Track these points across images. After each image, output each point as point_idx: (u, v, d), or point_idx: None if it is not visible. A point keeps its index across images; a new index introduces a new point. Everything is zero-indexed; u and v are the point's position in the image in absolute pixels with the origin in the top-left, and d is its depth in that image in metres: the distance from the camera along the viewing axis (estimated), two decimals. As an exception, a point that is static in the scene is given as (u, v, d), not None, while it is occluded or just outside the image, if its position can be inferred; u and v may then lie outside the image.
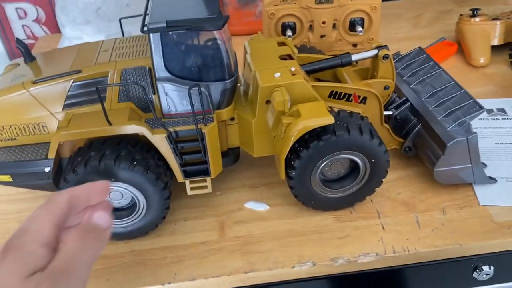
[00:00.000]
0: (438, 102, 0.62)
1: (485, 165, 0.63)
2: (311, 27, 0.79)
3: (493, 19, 0.88)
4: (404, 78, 0.68)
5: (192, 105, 0.52)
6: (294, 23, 0.79)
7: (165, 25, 0.48)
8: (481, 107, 0.58)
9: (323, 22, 0.78)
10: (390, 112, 0.64)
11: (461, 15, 0.92)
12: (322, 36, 0.79)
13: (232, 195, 0.64)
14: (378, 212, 0.59)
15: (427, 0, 1.14)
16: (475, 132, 0.56)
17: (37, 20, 1.14)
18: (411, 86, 0.66)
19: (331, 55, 0.63)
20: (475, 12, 0.89)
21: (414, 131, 0.62)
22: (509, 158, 0.65)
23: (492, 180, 0.61)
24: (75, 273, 0.36)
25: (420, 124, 0.62)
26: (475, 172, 0.59)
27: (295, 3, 0.77)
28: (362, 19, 0.78)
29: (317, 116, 0.52)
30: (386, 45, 0.60)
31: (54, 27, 1.15)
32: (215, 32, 0.51)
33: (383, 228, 0.57)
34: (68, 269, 0.35)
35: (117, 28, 0.91)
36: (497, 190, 0.61)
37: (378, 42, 0.61)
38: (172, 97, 0.53)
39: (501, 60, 0.88)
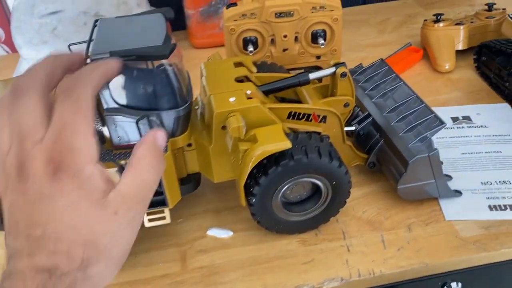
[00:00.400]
0: (399, 117, 0.61)
1: (450, 178, 0.62)
2: (273, 41, 0.77)
3: (457, 24, 0.88)
4: (366, 92, 0.67)
5: (141, 136, 0.49)
6: (256, 38, 0.77)
7: (107, 55, 0.46)
8: (442, 122, 0.57)
9: (285, 36, 0.76)
10: (352, 128, 0.64)
11: (425, 20, 0.91)
12: (284, 50, 0.78)
13: (194, 222, 0.62)
14: (343, 233, 0.58)
15: (393, 4, 1.13)
16: (436, 148, 0.56)
17: (-5, 39, 1.10)
18: (373, 100, 0.65)
19: (295, 71, 0.62)
20: (439, 17, 0.88)
21: (377, 146, 0.61)
22: (474, 169, 0.65)
23: (457, 193, 0.60)
24: (146, 199, 0.36)
25: (383, 140, 0.61)
26: (439, 187, 0.58)
27: (255, 18, 0.75)
28: (324, 31, 0.77)
29: (274, 140, 0.51)
30: (343, 63, 0.58)
31: (14, 46, 1.11)
32: (163, 60, 0.49)
33: (349, 250, 0.56)
34: (141, 195, 0.35)
35: (76, 48, 0.89)
36: (462, 204, 0.60)
37: (336, 59, 0.59)
38: (122, 128, 0.51)
39: (466, 65, 0.88)
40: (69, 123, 0.34)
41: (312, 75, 0.59)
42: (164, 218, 0.56)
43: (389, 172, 0.60)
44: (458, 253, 0.54)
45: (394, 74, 0.67)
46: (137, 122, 0.49)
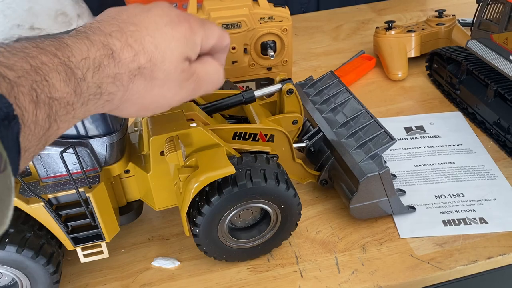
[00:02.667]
0: (350, 133, 0.59)
1: (403, 193, 0.61)
2: (221, 53, 0.74)
3: (408, 31, 0.87)
4: (316, 106, 0.65)
5: (67, 168, 0.45)
6: (202, 50, 0.73)
7: None
8: (392, 138, 0.55)
9: (233, 48, 0.73)
10: (303, 144, 0.61)
11: (377, 28, 0.90)
12: (234, 62, 0.75)
13: (139, 252, 0.57)
14: (296, 257, 0.55)
15: (346, 10, 1.12)
16: (386, 166, 0.54)
17: None
18: (323, 115, 0.63)
19: (245, 83, 0.59)
20: (390, 24, 0.87)
21: (328, 163, 0.59)
22: (428, 182, 0.64)
23: (411, 209, 0.59)
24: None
25: (334, 157, 0.58)
26: (392, 204, 0.56)
27: (201, 29, 0.71)
28: (274, 42, 0.74)
29: (216, 166, 0.48)
30: (290, 79, 0.56)
31: None
32: None
33: (302, 276, 0.53)
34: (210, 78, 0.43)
35: None
36: (417, 219, 0.58)
37: (282, 75, 0.57)
38: (48, 160, 0.46)
39: (418, 72, 0.87)
40: (216, 27, 0.44)
41: (258, 93, 0.56)
42: (101, 252, 0.52)
43: (341, 190, 0.58)
44: (413, 273, 0.52)
45: (343, 87, 0.64)
46: (61, 154, 0.45)
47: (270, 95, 0.59)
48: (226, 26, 0.71)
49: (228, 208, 0.49)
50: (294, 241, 0.57)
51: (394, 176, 0.64)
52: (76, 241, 0.50)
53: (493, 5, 0.69)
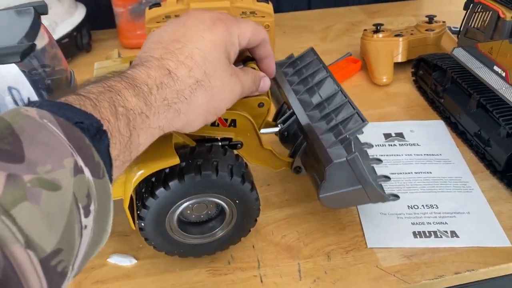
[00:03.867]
0: (322, 115, 0.54)
1: (388, 179, 0.55)
2: (199, 46, 0.72)
3: (396, 35, 0.85)
4: (292, 87, 0.60)
5: None
6: (181, 42, 0.71)
7: None
8: (363, 120, 0.50)
9: (212, 41, 0.70)
10: (276, 129, 0.57)
11: (364, 30, 0.88)
12: (212, 56, 0.72)
13: (96, 247, 0.55)
14: (258, 261, 0.53)
15: (339, 11, 1.10)
16: (355, 151, 0.49)
17: None
18: (298, 96, 0.58)
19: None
20: (379, 27, 0.85)
21: (301, 149, 0.55)
22: (402, 191, 0.62)
23: (394, 197, 0.53)
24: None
25: (305, 142, 0.54)
26: (369, 192, 0.51)
27: (180, 20, 0.69)
28: (255, 37, 0.72)
29: (159, 157, 0.45)
30: (252, 59, 0.52)
31: None
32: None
33: (261, 281, 0.51)
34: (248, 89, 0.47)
35: None
36: (386, 229, 0.56)
37: (247, 54, 0.53)
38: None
39: (404, 77, 0.85)
40: (251, 23, 0.46)
41: None
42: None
43: (312, 178, 0.54)
44: (377, 285, 0.50)
45: (321, 65, 0.59)
46: None
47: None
48: (206, 19, 0.68)
49: (176, 202, 0.46)
50: (258, 244, 0.55)
51: (379, 160, 0.59)
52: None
53: (480, 13, 0.67)
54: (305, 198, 0.60)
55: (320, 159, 0.50)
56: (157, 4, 0.71)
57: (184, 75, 0.39)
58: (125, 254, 0.54)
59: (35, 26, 0.44)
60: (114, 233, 0.57)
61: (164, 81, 0.37)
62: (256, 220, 0.51)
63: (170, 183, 0.45)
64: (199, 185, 0.46)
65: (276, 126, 0.57)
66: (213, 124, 0.50)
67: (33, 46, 0.40)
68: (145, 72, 0.37)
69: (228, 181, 0.46)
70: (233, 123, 0.51)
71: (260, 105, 0.53)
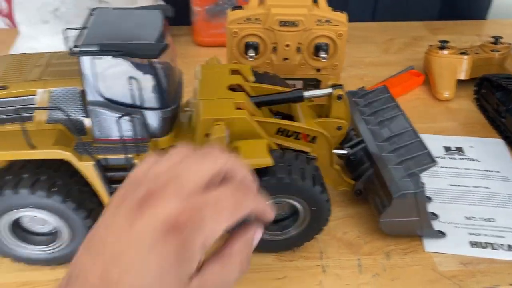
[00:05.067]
0: (392, 148, 0.59)
1: (436, 217, 0.61)
2: (274, 49, 0.76)
3: (461, 53, 0.87)
4: (363, 117, 0.66)
5: (121, 133, 0.48)
6: (258, 43, 0.76)
7: (97, 48, 0.45)
8: (433, 160, 0.55)
9: (287, 45, 0.75)
10: (345, 152, 0.62)
11: (430, 45, 0.90)
12: (285, 59, 0.77)
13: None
14: (321, 252, 0.57)
15: (401, 25, 1.12)
16: (423, 186, 0.54)
17: (-3, 12, 1.09)
18: (368, 127, 0.64)
19: (293, 82, 0.60)
20: (444, 44, 0.88)
21: (366, 174, 0.60)
22: (460, 202, 0.64)
23: (440, 234, 0.59)
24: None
25: (372, 169, 0.59)
26: (423, 226, 0.57)
27: (260, 23, 0.74)
28: (327, 45, 0.76)
29: (256, 156, 0.50)
30: (341, 85, 0.57)
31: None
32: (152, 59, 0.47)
33: (324, 271, 0.55)
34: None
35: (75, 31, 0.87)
36: (444, 236, 0.59)
37: (336, 75, 0.58)
38: (104, 123, 0.50)
39: (466, 95, 0.87)
40: (217, 207, 0.32)
41: (307, 94, 0.57)
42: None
43: (374, 202, 0.59)
44: (433, 287, 0.53)
45: (394, 103, 0.65)
46: (118, 119, 0.48)
47: (319, 97, 0.60)
48: (284, 23, 0.73)
49: None
50: (321, 237, 0.58)
51: (429, 199, 0.64)
52: (118, 203, 0.53)
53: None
54: (366, 202, 0.63)
55: (387, 187, 0.55)
56: (239, 7, 0.76)
57: None
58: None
59: (165, 27, 0.49)
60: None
61: None
62: (327, 220, 0.55)
63: (263, 178, 0.49)
64: (286, 186, 0.50)
65: (343, 149, 0.62)
66: (296, 137, 0.55)
67: (167, 46, 0.46)
68: None
69: (311, 188, 0.50)
70: (313, 139, 0.56)
71: (339, 128, 0.58)
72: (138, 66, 0.48)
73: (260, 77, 0.65)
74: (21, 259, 0.53)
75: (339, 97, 0.56)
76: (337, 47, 0.76)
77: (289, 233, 0.55)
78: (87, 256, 0.31)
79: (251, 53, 0.75)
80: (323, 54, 0.75)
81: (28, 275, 0.54)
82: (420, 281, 0.54)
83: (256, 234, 0.37)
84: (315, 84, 0.80)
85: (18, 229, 0.52)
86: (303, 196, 0.51)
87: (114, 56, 0.45)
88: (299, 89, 0.58)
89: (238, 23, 0.74)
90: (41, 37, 0.87)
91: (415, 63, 0.95)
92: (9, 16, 1.10)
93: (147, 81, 0.48)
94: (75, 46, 0.45)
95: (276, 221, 0.55)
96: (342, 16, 0.75)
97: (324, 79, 0.80)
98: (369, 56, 0.99)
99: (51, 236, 0.53)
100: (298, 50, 0.76)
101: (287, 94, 0.57)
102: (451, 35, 1.08)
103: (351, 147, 0.62)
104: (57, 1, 0.84)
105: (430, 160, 0.55)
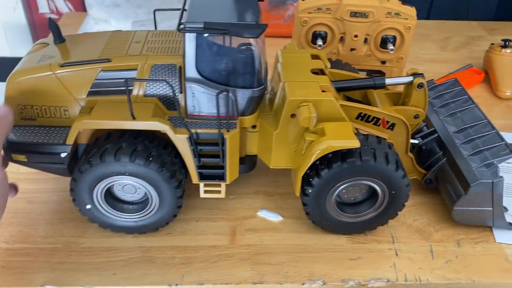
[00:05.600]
0: (467, 139, 0.60)
1: (506, 209, 0.61)
2: (342, 39, 0.78)
3: (524, 52, 0.87)
4: (435, 108, 0.67)
5: (218, 109, 0.51)
6: (326, 33, 0.77)
7: (202, 26, 0.47)
8: (511, 151, 0.56)
9: (355, 36, 0.76)
10: (416, 141, 0.63)
11: (492, 44, 0.90)
12: (352, 49, 0.78)
13: (245, 201, 0.63)
14: (392, 237, 0.58)
15: (457, 24, 1.12)
16: (501, 176, 0.55)
17: (63, -4, 1.13)
18: (441, 118, 0.65)
19: (366, 76, 0.62)
20: (507, 43, 0.88)
21: (438, 164, 0.61)
22: (528, 197, 0.64)
23: (511, 226, 0.59)
24: None
25: (445, 159, 0.60)
26: (495, 216, 0.58)
27: (330, 13, 0.76)
28: (394, 37, 0.77)
29: (342, 137, 0.51)
30: (422, 74, 0.58)
31: (78, 5, 1.14)
32: (251, 39, 0.49)
33: (397, 254, 0.56)
34: None
35: (145, 15, 0.90)
36: (514, 229, 0.60)
37: (414, 69, 0.59)
38: (199, 99, 0.52)
39: (527, 94, 0.87)
40: None
41: (389, 80, 0.59)
42: (219, 192, 0.57)
43: (446, 192, 0.60)
44: (506, 276, 0.54)
45: (466, 96, 0.66)
46: (217, 95, 0.50)
47: (397, 85, 0.61)
48: (354, 14, 0.74)
49: (345, 178, 0.52)
50: (391, 223, 0.60)
51: (506, 208, 0.63)
52: (202, 177, 0.56)
53: None
54: (432, 191, 0.64)
55: (463, 176, 0.56)
56: (310, -4, 0.78)
57: None
58: (272, 211, 0.61)
59: (259, 9, 0.51)
60: (260, 192, 0.64)
61: None
62: (404, 205, 0.56)
63: (349, 160, 0.51)
64: (370, 168, 0.51)
65: (414, 139, 0.63)
66: (375, 123, 0.56)
67: (266, 26, 0.48)
68: None
69: (394, 172, 0.52)
70: (392, 126, 0.57)
71: (416, 116, 0.59)
72: (237, 46, 0.50)
73: (334, 64, 0.66)
74: (108, 226, 0.56)
75: (420, 86, 0.58)
76: (404, 40, 0.77)
77: (365, 216, 0.56)
78: None
79: (319, 42, 0.77)
80: (390, 46, 0.76)
81: (113, 241, 0.57)
82: (492, 270, 0.55)
83: None
84: (378, 76, 0.81)
85: (109, 197, 0.55)
86: (385, 179, 0.52)
87: (218, 34, 0.47)
88: (381, 75, 0.59)
89: (309, 12, 0.76)
90: (112, 20, 0.90)
91: (472, 62, 0.96)
92: (73, 0, 1.14)
93: (244, 60, 0.51)
94: (180, 24, 0.48)
95: (353, 204, 0.56)
96: (411, 10, 0.76)
97: (388, 72, 0.81)
98: (427, 52, 0.99)
99: (139, 205, 0.55)
100: (365, 41, 0.78)
101: (369, 80, 0.59)
102: (508, 36, 1.08)
103: (422, 137, 0.64)
104: (129, -14, 0.87)
105: (509, 151, 0.56)
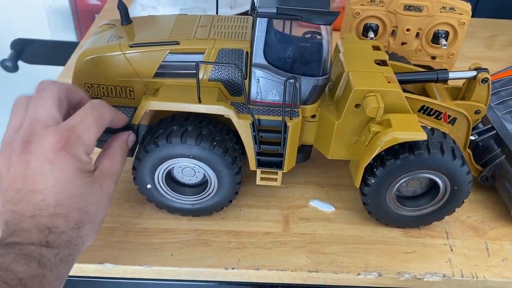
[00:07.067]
0: None
1: None
2: (393, 32, 0.77)
3: None
4: (492, 105, 0.66)
5: (284, 97, 0.51)
6: (377, 26, 0.77)
7: (275, 11, 0.47)
8: None
9: (408, 29, 0.76)
10: (473, 137, 0.62)
11: (542, 43, 0.89)
12: (403, 43, 0.77)
13: (297, 190, 0.63)
14: (446, 233, 0.58)
15: (502, 22, 1.10)
16: None
17: (107, -19, 1.14)
18: (498, 115, 0.64)
19: (427, 69, 0.62)
20: (560, 43, 0.86)
21: (496, 161, 0.60)
22: None
23: None
24: (117, 181, 0.48)
25: (504, 156, 0.60)
26: None
27: (383, 6, 0.75)
28: (447, 33, 0.76)
29: (408, 129, 0.51)
30: (486, 69, 0.57)
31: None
32: (322, 26, 0.49)
33: (451, 250, 0.56)
34: (116, 177, 0.47)
35: (193, 3, 0.91)
36: None
37: (477, 64, 0.58)
38: (263, 85, 0.52)
39: None
40: (84, 125, 0.43)
41: (452, 74, 0.58)
42: (275, 180, 0.57)
43: (504, 189, 0.59)
44: None
45: None
46: (285, 82, 0.50)
47: (458, 80, 0.60)
48: (408, 8, 0.74)
49: (410, 170, 0.52)
50: (445, 219, 0.59)
51: None
52: (260, 164, 0.56)
53: None
54: (487, 189, 0.64)
55: None
56: (364, -11, 0.77)
57: (63, 225, 0.40)
58: (324, 201, 0.61)
59: None
60: (311, 183, 0.64)
61: (49, 240, 0.39)
62: (463, 202, 0.55)
63: (416, 152, 0.50)
64: (437, 162, 0.51)
65: (471, 135, 0.62)
66: (436, 117, 0.56)
67: (338, 14, 0.48)
68: (28, 238, 0.38)
69: (460, 167, 0.51)
70: (453, 121, 0.56)
71: (477, 112, 0.58)
72: (307, 33, 0.50)
73: (390, 56, 0.66)
74: (164, 206, 0.57)
75: (484, 80, 0.57)
76: (457, 35, 0.76)
77: (424, 210, 0.56)
78: (12, 200, 0.40)
79: (371, 35, 0.76)
80: (443, 42, 0.75)
81: (168, 223, 0.57)
82: (550, 270, 0.54)
83: (130, 137, 0.51)
84: (427, 71, 0.80)
85: (169, 178, 0.55)
86: (449, 174, 0.52)
87: (291, 19, 0.47)
88: (444, 69, 0.58)
89: (362, 4, 0.75)
90: (159, 6, 0.91)
91: (520, 61, 0.94)
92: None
93: (311, 48, 0.51)
94: (253, 9, 0.48)
95: (413, 198, 0.56)
96: (466, 5, 0.75)
97: (437, 67, 0.80)
98: (473, 50, 0.98)
99: (197, 188, 0.56)
100: (417, 35, 0.77)
101: (432, 73, 0.58)
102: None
103: (479, 134, 0.63)
104: (179, -28, 0.88)
105: None
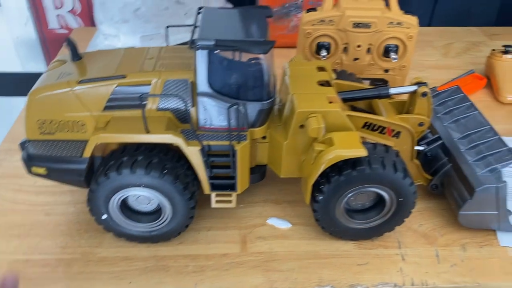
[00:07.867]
0: (471, 145, 0.62)
1: (511, 213, 0.63)
2: (345, 49, 0.80)
3: (525, 58, 0.89)
4: (438, 115, 0.69)
5: (229, 122, 0.53)
6: (329, 44, 0.80)
7: (213, 43, 0.49)
8: None
9: (358, 46, 0.78)
10: (421, 148, 0.65)
11: (493, 50, 0.92)
12: (355, 59, 0.80)
13: (255, 209, 0.65)
14: (399, 242, 0.60)
15: (458, 30, 1.14)
16: (505, 181, 0.57)
17: (72, 11, 1.16)
18: (444, 124, 0.67)
19: (371, 86, 0.64)
20: (508, 48, 0.89)
21: (443, 170, 0.62)
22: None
23: None
24: None
25: (451, 164, 0.62)
26: (501, 220, 0.59)
27: (333, 25, 0.78)
28: (397, 46, 0.79)
29: (350, 147, 0.53)
30: (425, 83, 0.60)
31: (88, 20, 1.17)
32: (260, 55, 0.52)
33: (403, 259, 0.58)
34: None
35: (153, 30, 0.93)
36: (518, 232, 0.61)
37: (418, 78, 0.61)
38: (210, 112, 0.54)
39: (529, 99, 0.88)
40: None
41: (393, 90, 0.61)
42: (230, 202, 0.59)
43: (452, 197, 0.61)
44: (511, 278, 0.56)
45: (469, 102, 0.68)
46: (228, 109, 0.52)
47: (401, 94, 0.63)
48: (357, 25, 0.77)
49: (354, 186, 0.54)
50: (397, 229, 0.61)
51: (510, 211, 0.65)
52: (213, 187, 0.57)
53: None
54: (437, 196, 0.66)
55: (468, 181, 0.58)
56: (314, 9, 0.80)
57: None
58: (281, 218, 0.63)
59: (267, 26, 0.54)
60: (269, 201, 0.66)
61: None
62: (411, 212, 0.57)
63: (358, 168, 0.53)
64: (379, 176, 0.53)
65: (419, 145, 0.65)
66: (381, 132, 0.58)
67: (274, 43, 0.50)
68: None
69: (402, 180, 0.53)
70: (397, 134, 0.59)
71: (420, 124, 0.61)
72: (246, 61, 0.52)
73: (339, 74, 0.68)
74: (122, 235, 0.58)
75: (424, 94, 0.59)
76: (407, 48, 0.79)
77: (373, 222, 0.58)
78: None
79: (323, 53, 0.79)
80: (393, 55, 0.78)
81: (127, 251, 0.59)
82: (498, 273, 0.56)
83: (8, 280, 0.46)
84: (381, 84, 0.83)
85: (124, 207, 0.57)
86: (393, 187, 0.54)
87: (229, 50, 0.50)
88: (385, 85, 0.61)
89: (312, 24, 0.78)
90: (121, 35, 0.93)
91: (474, 67, 0.97)
92: (82, 16, 1.17)
93: (253, 75, 0.53)
94: (192, 41, 0.50)
95: (361, 211, 0.58)
96: (413, 19, 0.78)
97: (391, 80, 0.83)
98: (429, 59, 1.01)
99: (152, 215, 0.57)
100: (368, 50, 0.80)
101: (374, 90, 0.61)
102: (509, 41, 1.10)
103: (428, 144, 0.65)
104: (138, 1, 0.90)
105: (511, 156, 0.57)
